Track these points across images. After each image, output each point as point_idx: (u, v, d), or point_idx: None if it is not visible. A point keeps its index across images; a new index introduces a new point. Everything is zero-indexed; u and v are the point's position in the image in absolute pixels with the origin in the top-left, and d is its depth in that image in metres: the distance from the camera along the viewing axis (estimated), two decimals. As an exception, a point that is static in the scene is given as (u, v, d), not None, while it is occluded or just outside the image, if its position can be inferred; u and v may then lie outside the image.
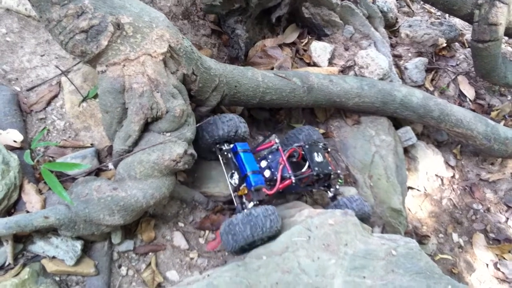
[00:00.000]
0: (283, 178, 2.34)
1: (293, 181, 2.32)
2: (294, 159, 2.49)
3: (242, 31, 2.95)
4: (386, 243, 2.10)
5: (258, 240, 2.10)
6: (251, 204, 2.21)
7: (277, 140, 2.49)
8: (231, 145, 2.37)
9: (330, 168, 2.53)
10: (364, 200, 2.56)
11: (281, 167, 2.35)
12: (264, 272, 1.95)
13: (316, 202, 2.80)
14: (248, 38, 3.04)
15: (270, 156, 2.45)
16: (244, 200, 2.28)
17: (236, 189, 2.32)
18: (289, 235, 2.10)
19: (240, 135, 2.37)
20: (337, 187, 2.66)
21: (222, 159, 2.39)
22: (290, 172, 2.34)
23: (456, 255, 3.51)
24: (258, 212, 2.07)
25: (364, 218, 2.50)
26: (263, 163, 2.44)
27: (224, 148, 2.38)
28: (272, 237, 2.13)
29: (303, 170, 2.44)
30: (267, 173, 2.38)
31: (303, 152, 2.50)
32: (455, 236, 3.60)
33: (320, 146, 2.61)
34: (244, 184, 2.29)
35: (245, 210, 2.13)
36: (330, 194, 2.63)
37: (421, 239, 3.44)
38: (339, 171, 2.60)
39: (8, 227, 1.78)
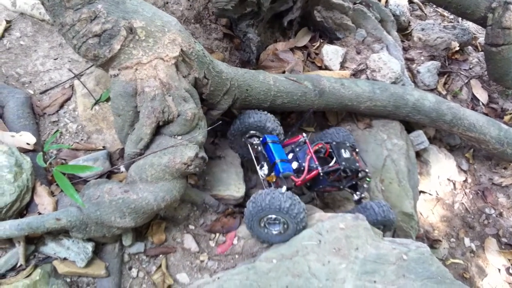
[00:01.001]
0: (310, 169, 2.37)
1: (320, 172, 2.35)
2: (321, 155, 2.52)
3: (254, 35, 2.95)
4: (397, 248, 2.09)
5: (276, 220, 2.14)
6: (284, 188, 2.22)
7: (304, 134, 2.54)
8: (261, 138, 2.48)
9: (357, 164, 2.53)
10: (389, 207, 2.56)
11: (308, 157, 2.39)
12: (275, 276, 1.96)
13: (327, 206, 2.80)
14: (260, 42, 3.04)
15: (297, 149, 2.50)
16: (273, 187, 2.32)
17: (266, 181, 2.40)
18: (299, 239, 2.10)
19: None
20: (365, 186, 2.67)
21: (252, 153, 2.50)
22: (316, 163, 2.38)
23: (468, 260, 3.48)
24: (285, 192, 2.13)
25: (388, 225, 2.51)
26: (290, 156, 2.48)
27: (254, 142, 2.49)
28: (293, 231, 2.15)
29: (330, 164, 2.46)
30: (294, 165, 2.41)
31: (330, 150, 2.53)
32: (467, 241, 3.57)
33: (348, 145, 2.63)
34: (273, 173, 2.35)
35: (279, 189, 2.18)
36: (356, 197, 2.63)
37: (433, 243, 3.42)
38: (367, 170, 2.60)
39: (20, 229, 1.80)
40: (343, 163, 2.45)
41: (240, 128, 2.50)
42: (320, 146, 2.52)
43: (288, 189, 2.22)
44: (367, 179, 2.64)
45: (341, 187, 2.53)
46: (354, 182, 2.60)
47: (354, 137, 2.95)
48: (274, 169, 2.34)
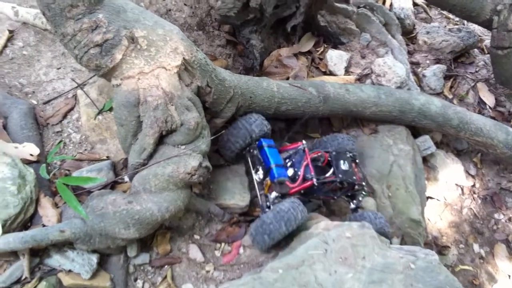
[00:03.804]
0: (305, 179, 2.35)
1: (315, 183, 2.32)
2: (319, 163, 2.50)
3: (257, 41, 2.94)
4: (404, 256, 2.06)
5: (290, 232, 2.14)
6: (273, 194, 2.23)
7: (304, 142, 2.51)
8: (257, 142, 2.44)
9: (354, 178, 2.51)
10: (386, 221, 2.54)
11: (304, 164, 2.37)
12: (281, 286, 1.93)
13: (333, 213, 2.77)
14: (263, 48, 3.03)
15: (294, 156, 2.47)
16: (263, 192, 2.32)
17: (261, 184, 2.37)
18: (305, 248, 2.07)
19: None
20: (360, 199, 2.64)
21: (248, 158, 2.47)
22: (312, 173, 2.35)
23: (477, 266, 3.44)
24: (287, 207, 2.11)
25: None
26: (287, 162, 2.46)
27: (251, 147, 2.46)
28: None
29: (327, 175, 2.45)
30: (290, 172, 2.40)
31: (329, 159, 2.51)
32: (476, 247, 3.54)
33: (348, 156, 2.61)
34: (268, 178, 2.32)
35: (274, 207, 2.15)
36: (352, 206, 2.61)
37: (441, 250, 3.38)
38: (363, 183, 2.59)
39: (24, 241, 1.79)
40: (340, 175, 2.43)
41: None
42: (319, 154, 2.49)
43: (282, 195, 2.23)
44: (363, 192, 2.63)
45: (335, 197, 2.52)
46: (350, 194, 2.59)
47: (358, 143, 2.93)
48: (269, 174, 2.32)
